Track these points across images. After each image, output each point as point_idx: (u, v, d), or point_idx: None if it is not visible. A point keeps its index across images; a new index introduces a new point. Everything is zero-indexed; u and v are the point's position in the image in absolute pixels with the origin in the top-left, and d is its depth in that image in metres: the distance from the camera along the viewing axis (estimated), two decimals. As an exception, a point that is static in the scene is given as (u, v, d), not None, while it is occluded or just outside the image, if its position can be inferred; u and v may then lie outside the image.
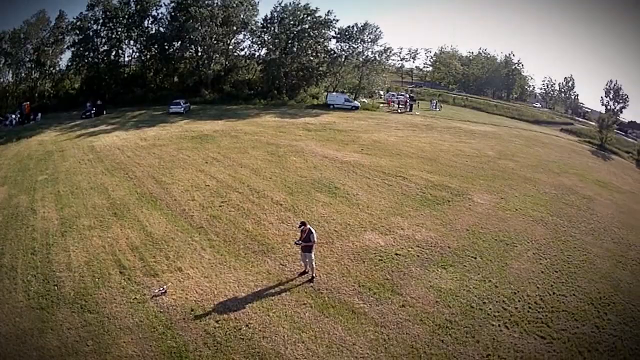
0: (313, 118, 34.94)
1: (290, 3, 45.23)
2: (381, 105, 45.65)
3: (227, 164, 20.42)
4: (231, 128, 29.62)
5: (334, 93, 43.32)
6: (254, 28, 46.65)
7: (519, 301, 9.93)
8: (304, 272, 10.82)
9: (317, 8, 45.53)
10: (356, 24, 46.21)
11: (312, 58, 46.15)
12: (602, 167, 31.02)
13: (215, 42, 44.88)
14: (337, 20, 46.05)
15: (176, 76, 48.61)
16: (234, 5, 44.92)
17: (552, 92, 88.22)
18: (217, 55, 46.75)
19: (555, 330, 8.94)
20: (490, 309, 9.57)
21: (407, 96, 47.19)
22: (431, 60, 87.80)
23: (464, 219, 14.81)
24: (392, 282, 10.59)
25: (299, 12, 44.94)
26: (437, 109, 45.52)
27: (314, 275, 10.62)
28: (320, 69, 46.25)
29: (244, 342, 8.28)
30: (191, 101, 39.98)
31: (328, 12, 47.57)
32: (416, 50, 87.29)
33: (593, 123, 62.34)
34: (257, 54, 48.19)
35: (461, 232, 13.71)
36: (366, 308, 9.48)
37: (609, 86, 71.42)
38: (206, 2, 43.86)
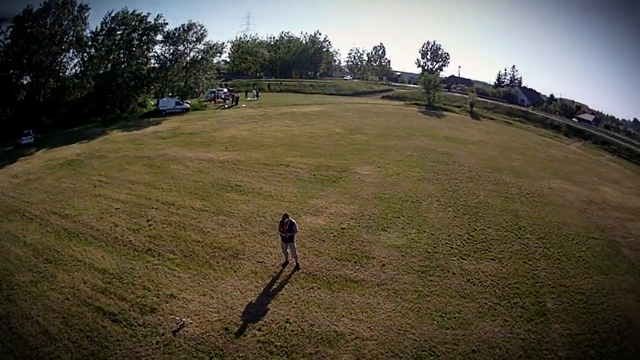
0: (156, 126, 33.19)
1: (120, 12, 41.97)
2: (206, 103, 45.72)
3: (117, 183, 18.37)
4: (91, 149, 26.01)
5: (165, 98, 41.91)
6: (83, 43, 41.59)
7: (456, 241, 13.01)
8: (286, 263, 11.52)
9: (148, 13, 43.27)
10: (182, 25, 45.34)
11: (142, 65, 43.83)
12: (442, 124, 38.67)
13: (49, 63, 39.35)
14: (166, 24, 44.40)
15: (10, 106, 39.38)
16: (66, 21, 39.87)
17: (360, 63, 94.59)
18: (52, 80, 40.57)
19: (497, 253, 12.25)
20: (442, 250, 12.39)
21: (227, 91, 48.44)
22: (232, 51, 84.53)
23: (365, 190, 17.17)
24: (359, 250, 12.33)
25: (129, 20, 41.97)
26: (257, 98, 48.04)
27: (297, 262, 11.42)
28: (151, 75, 44.12)
29: (299, 336, 8.67)
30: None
31: (158, 16, 44.37)
32: (223, 44, 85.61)
33: (412, 85, 72.85)
34: (88, 70, 42.76)
35: (373, 201, 16.04)
36: (360, 275, 11.01)
37: (427, 47, 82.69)
38: (41, 21, 38.16)
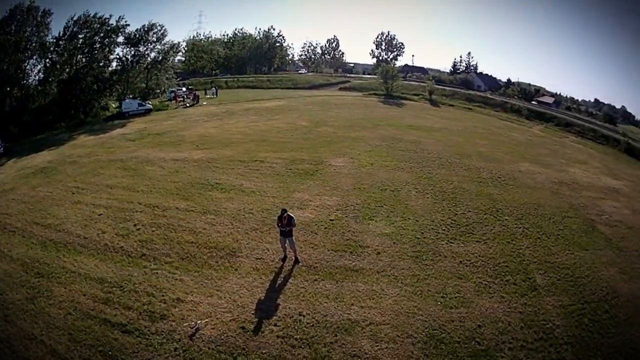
0: (122, 128, 32.09)
1: (82, 15, 40.67)
2: (168, 103, 45.49)
3: (95, 188, 17.54)
4: (61, 155, 24.62)
5: (128, 100, 41.41)
6: (46, 48, 40.13)
7: (440, 226, 13.74)
8: (285, 257, 11.71)
9: (110, 15, 42.20)
10: (143, 26, 44.46)
11: (104, 68, 43.10)
12: (404, 113, 39.62)
13: (14, 71, 37.83)
14: (128, 25, 43.47)
15: None
16: (30, 27, 38.43)
17: (314, 56, 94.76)
18: (16, 88, 39.18)
19: (480, 236, 13.14)
20: (429, 235, 13.08)
21: (186, 90, 48.75)
22: (187, 50, 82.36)
23: (343, 181, 17.53)
24: (352, 240, 12.75)
25: (91, 23, 40.87)
26: (216, 96, 48.53)
27: (296, 256, 11.66)
28: (114, 78, 43.40)
29: (315, 327, 8.95)
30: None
31: (119, 17, 43.25)
32: (178, 44, 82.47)
33: (367, 76, 73.88)
34: (51, 76, 41.16)
35: (353, 191, 16.47)
36: (359, 264, 11.44)
37: (381, 38, 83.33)
38: (7, 29, 36.94)
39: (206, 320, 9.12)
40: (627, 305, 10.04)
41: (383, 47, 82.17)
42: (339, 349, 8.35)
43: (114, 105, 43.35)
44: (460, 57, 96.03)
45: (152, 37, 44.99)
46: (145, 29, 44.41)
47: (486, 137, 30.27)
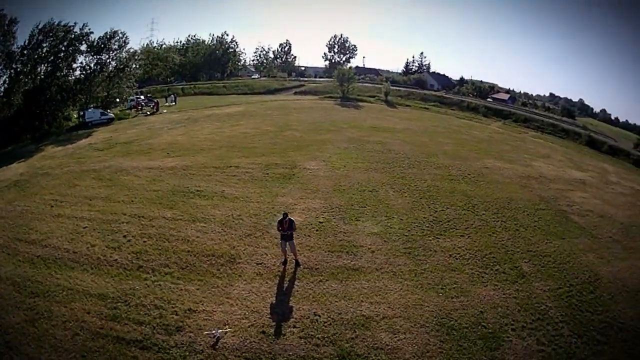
0: (88, 138, 30.58)
1: (47, 24, 39.27)
2: (129, 111, 44.79)
3: (73, 201, 16.70)
4: (32, 167, 23.07)
5: (91, 109, 40.47)
6: (12, 58, 38.68)
7: (424, 223, 14.63)
8: (285, 261, 11.96)
9: (75, 23, 40.90)
10: (106, 33, 43.36)
11: (68, 77, 41.77)
12: (363, 115, 40.34)
13: None
14: (92, 33, 42.27)
15: None
16: None
17: (266, 61, 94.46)
18: None
19: (463, 230, 14.20)
20: (416, 232, 13.93)
21: (144, 97, 48.62)
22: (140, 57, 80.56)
23: (322, 183, 17.89)
24: (345, 240, 13.29)
25: (55, 31, 39.57)
26: (175, 103, 48.60)
27: (297, 259, 11.93)
28: (77, 87, 41.96)
29: (333, 325, 9.34)
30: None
31: (83, 25, 41.78)
32: (135, 52, 79.45)
33: (321, 79, 74.46)
34: (15, 87, 39.29)
35: (334, 193, 16.91)
36: (357, 263, 12.01)
37: (334, 41, 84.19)
38: None
39: (226, 328, 9.18)
40: (609, 286, 11.49)
41: (336, 50, 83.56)
42: (360, 343, 8.84)
43: (74, 115, 42.16)
44: (413, 57, 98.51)
45: (114, 44, 44.10)
46: (108, 36, 43.37)
47: (448, 136, 31.90)
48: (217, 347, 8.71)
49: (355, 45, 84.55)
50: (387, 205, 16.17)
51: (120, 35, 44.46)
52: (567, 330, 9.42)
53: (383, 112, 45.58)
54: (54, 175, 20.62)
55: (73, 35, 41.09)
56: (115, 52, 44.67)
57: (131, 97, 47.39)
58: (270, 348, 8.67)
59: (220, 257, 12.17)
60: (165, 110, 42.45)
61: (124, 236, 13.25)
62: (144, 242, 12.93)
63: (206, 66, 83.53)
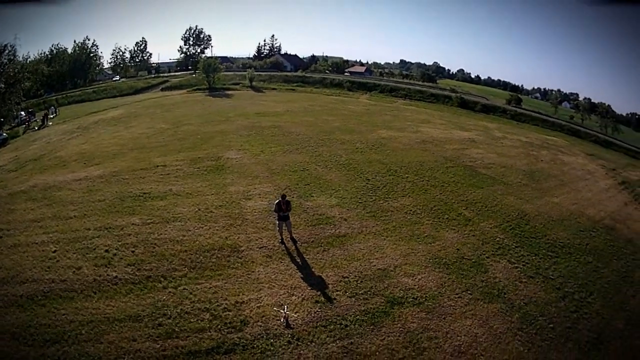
0: None
1: None
2: (17, 129, 37.30)
3: (21, 227, 13.47)
4: None
5: None
6: None
7: (366, 191, 17.01)
8: (282, 241, 12.93)
9: None
10: None
11: None
12: (239, 103, 40.92)
13: None
14: None
15: None
16: None
17: (122, 62, 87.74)
18: None
19: (401, 192, 17.13)
20: (367, 199, 16.21)
21: (24, 113, 42.39)
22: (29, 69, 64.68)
23: (256, 169, 18.82)
24: (317, 214, 14.75)
25: None
26: (57, 114, 43.90)
27: (292, 236, 13.12)
28: None
29: (365, 280, 10.99)
30: None
31: None
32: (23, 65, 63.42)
33: (180, 73, 70.86)
34: None
35: (273, 176, 18.06)
36: (341, 231, 13.65)
37: (189, 33, 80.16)
38: None
39: (285, 308, 9.73)
40: (538, 219, 16.02)
41: (191, 42, 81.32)
42: (394, 289, 10.92)
43: None
44: (264, 40, 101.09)
45: (4, 58, 36.30)
46: None
47: (330, 113, 35.02)
48: (291, 326, 9.36)
49: (209, 36, 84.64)
50: (326, 180, 18.18)
51: (10, 48, 36.84)
52: (525, 252, 13.50)
53: (255, 98, 46.41)
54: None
55: None
56: (4, 67, 36.94)
57: (21, 113, 40.95)
58: (334, 312, 9.87)
59: (221, 250, 12.22)
60: (51, 123, 37.85)
61: (106, 251, 11.73)
62: (132, 252, 11.79)
63: (71, 74, 75.61)
